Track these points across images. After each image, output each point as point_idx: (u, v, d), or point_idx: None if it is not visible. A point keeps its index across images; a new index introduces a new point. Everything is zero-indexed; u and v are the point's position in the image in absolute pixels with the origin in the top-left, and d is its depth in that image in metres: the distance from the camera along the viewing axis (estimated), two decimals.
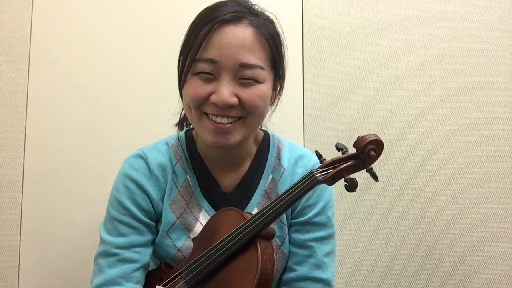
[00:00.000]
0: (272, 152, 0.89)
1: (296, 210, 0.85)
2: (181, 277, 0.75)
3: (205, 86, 0.76)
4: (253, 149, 0.89)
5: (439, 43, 1.28)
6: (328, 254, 0.84)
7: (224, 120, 0.76)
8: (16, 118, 1.19)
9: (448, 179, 1.26)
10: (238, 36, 0.75)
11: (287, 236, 0.85)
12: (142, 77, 1.22)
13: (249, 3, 0.81)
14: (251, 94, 0.76)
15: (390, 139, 1.26)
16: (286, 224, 0.85)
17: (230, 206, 0.82)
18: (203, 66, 0.75)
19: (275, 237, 0.83)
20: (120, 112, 1.21)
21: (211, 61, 0.74)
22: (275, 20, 0.83)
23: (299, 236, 0.84)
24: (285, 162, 0.88)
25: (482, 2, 1.28)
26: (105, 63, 1.22)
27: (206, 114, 0.77)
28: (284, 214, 0.85)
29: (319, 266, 0.81)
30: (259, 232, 0.70)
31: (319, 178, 0.68)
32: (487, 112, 1.27)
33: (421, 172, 1.26)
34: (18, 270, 1.17)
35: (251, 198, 0.85)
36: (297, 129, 1.25)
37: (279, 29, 0.83)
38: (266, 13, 0.82)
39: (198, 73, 0.76)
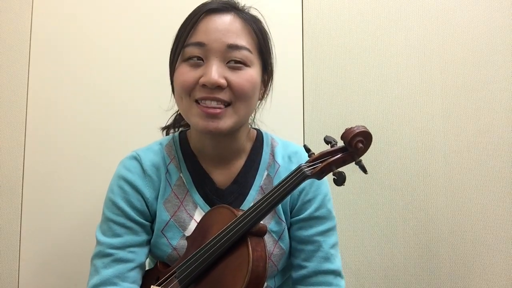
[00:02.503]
0: (266, 149, 0.90)
1: (296, 207, 0.86)
2: (175, 276, 0.75)
3: (194, 72, 0.77)
4: (247, 146, 0.90)
5: (439, 43, 1.28)
6: (334, 245, 0.85)
7: (214, 103, 0.76)
8: (16, 118, 1.19)
9: (448, 179, 1.26)
10: (225, 22, 0.78)
11: (285, 232, 0.85)
12: (143, 78, 1.22)
13: (236, 2, 0.84)
14: (239, 77, 0.77)
15: (390, 139, 1.26)
16: (283, 220, 0.85)
17: (226, 202, 0.83)
18: (191, 50, 0.77)
19: (272, 233, 0.84)
20: (121, 112, 1.21)
21: (199, 44, 0.77)
22: (261, 19, 0.85)
23: (303, 233, 0.84)
24: (279, 158, 0.89)
25: (482, 2, 1.29)
26: (105, 63, 1.22)
27: (197, 101, 0.78)
28: (282, 210, 0.85)
29: (327, 258, 0.82)
30: (250, 228, 0.69)
31: (307, 172, 0.67)
32: (487, 112, 1.27)
33: (421, 172, 1.26)
34: (18, 270, 1.17)
35: (247, 195, 0.85)
36: (297, 129, 1.25)
37: (266, 27, 0.85)
38: (253, 12, 0.85)
39: (187, 59, 0.78)
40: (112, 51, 1.22)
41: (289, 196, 0.85)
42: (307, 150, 0.73)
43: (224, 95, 0.76)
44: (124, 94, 1.22)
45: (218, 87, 0.75)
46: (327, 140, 0.71)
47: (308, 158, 0.71)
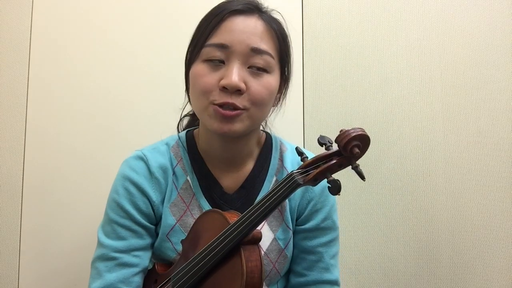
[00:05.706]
0: (275, 154, 0.88)
1: (303, 216, 0.84)
2: (170, 284, 0.74)
3: (214, 74, 0.75)
4: (256, 150, 0.88)
5: (439, 43, 1.28)
6: (334, 255, 0.84)
7: (230, 108, 0.74)
8: (16, 118, 1.19)
9: (448, 179, 1.26)
10: (249, 25, 0.76)
11: (291, 239, 0.84)
12: (143, 77, 1.22)
13: (259, 3, 0.82)
14: (259, 84, 0.75)
15: (390, 139, 1.26)
16: (291, 227, 0.84)
17: (233, 207, 0.81)
18: (213, 52, 0.75)
19: (279, 241, 0.82)
20: (120, 112, 1.21)
21: (222, 46, 0.74)
22: (283, 22, 0.84)
23: (308, 243, 0.83)
24: (288, 164, 0.87)
25: (482, 2, 1.29)
26: (105, 63, 1.22)
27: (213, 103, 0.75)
28: (290, 217, 0.84)
29: (327, 269, 0.82)
30: (242, 239, 0.67)
31: (299, 181, 0.62)
32: (487, 112, 1.27)
33: (421, 172, 1.26)
34: (18, 270, 1.17)
35: (254, 200, 0.83)
36: (297, 129, 1.25)
37: (287, 31, 0.84)
38: (275, 15, 0.83)
39: (207, 60, 0.75)
40: (112, 51, 1.22)
41: (297, 205, 0.84)
42: (300, 153, 0.69)
43: (241, 102, 0.74)
44: (124, 93, 1.22)
45: (238, 91, 0.73)
46: (321, 142, 0.64)
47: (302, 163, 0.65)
